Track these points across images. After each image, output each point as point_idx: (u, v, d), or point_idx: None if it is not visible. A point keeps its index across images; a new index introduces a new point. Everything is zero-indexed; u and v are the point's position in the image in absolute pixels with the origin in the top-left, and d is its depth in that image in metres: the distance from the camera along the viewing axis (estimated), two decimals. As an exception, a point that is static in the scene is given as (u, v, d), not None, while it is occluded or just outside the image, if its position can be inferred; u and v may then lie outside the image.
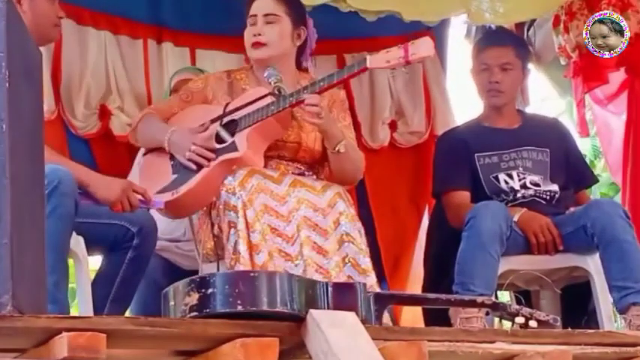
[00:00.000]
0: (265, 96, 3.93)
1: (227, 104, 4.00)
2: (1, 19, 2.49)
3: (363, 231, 3.82)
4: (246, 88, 4.09)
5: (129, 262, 3.71)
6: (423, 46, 3.82)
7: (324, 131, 3.89)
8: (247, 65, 4.23)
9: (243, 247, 3.65)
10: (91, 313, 3.51)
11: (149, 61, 5.10)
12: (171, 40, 5.16)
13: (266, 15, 4.06)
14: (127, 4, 5.09)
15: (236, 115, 3.94)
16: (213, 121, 3.96)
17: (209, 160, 3.87)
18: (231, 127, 3.93)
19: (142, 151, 4.74)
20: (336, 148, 3.89)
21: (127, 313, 3.92)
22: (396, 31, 5.36)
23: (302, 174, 3.95)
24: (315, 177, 4.00)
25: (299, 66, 4.21)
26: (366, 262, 3.72)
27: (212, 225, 3.88)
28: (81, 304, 3.67)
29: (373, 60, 3.86)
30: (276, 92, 3.90)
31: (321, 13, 4.57)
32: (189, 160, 3.88)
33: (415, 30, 5.44)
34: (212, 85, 4.12)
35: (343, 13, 4.90)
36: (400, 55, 3.81)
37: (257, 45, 4.04)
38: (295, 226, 3.70)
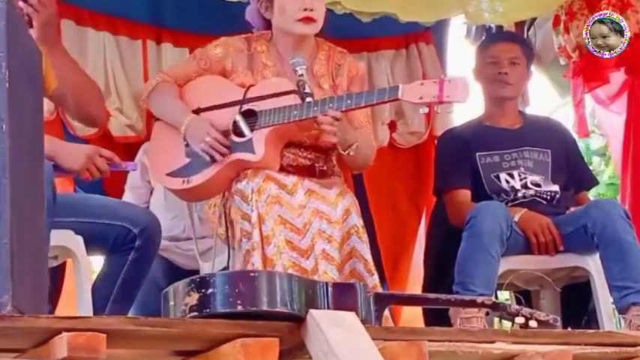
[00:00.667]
0: (289, 92, 3.82)
1: (248, 88, 3.89)
2: (1, 19, 2.49)
3: (368, 245, 3.79)
4: (268, 64, 3.98)
5: (131, 263, 3.64)
6: (459, 89, 3.66)
7: (337, 141, 3.81)
8: (267, 34, 4.05)
9: (257, 261, 3.61)
10: (90, 313, 3.49)
11: (148, 62, 5.10)
12: (170, 40, 5.16)
13: None
14: (126, 4, 5.09)
15: (256, 107, 3.84)
16: (232, 104, 3.87)
17: (223, 155, 3.78)
18: (250, 119, 3.84)
19: (142, 150, 4.76)
20: (347, 152, 3.83)
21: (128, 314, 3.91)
22: (395, 30, 5.38)
23: (312, 166, 3.89)
24: (326, 175, 3.93)
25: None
26: (374, 280, 3.70)
27: (226, 216, 3.82)
28: (80, 304, 3.64)
29: (406, 92, 3.72)
30: (300, 89, 3.80)
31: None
32: (203, 151, 3.79)
33: (414, 30, 5.47)
34: (232, 56, 3.98)
35: (341, 15, 4.91)
36: (434, 94, 3.66)
37: (309, 20, 3.89)
38: (310, 239, 3.67)
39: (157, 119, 4.07)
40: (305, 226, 3.68)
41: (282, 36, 3.99)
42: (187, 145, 3.88)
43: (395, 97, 3.76)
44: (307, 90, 3.81)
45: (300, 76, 3.82)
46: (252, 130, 3.82)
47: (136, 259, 3.64)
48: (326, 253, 3.65)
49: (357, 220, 3.75)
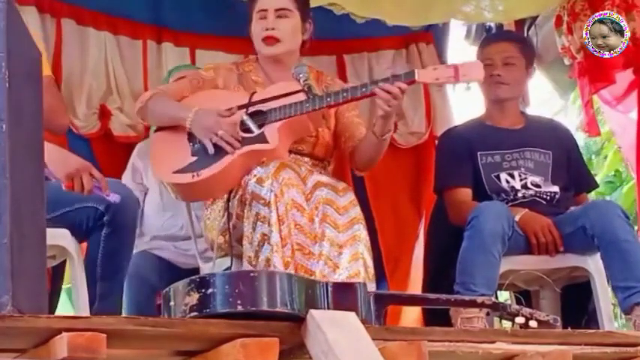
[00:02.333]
0: (296, 92, 3.88)
1: (253, 93, 3.95)
2: (1, 19, 2.49)
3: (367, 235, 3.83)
4: (257, 80, 4.06)
5: (105, 238, 3.55)
6: (474, 70, 3.84)
7: (386, 118, 3.88)
8: (253, 57, 4.17)
9: (277, 239, 3.63)
10: (86, 312, 3.49)
11: (148, 62, 5.10)
12: (171, 40, 5.17)
13: (278, 10, 4.01)
14: (127, 4, 5.10)
15: (264, 107, 3.88)
16: (239, 108, 3.89)
17: (234, 148, 3.80)
18: (259, 118, 3.87)
19: (135, 152, 4.76)
20: (384, 137, 3.92)
21: (123, 313, 3.88)
22: (395, 31, 5.38)
23: (320, 172, 3.94)
24: (331, 175, 4.00)
25: None
26: (372, 264, 3.73)
27: (229, 215, 3.84)
28: (76, 304, 3.63)
29: (422, 74, 3.85)
30: (306, 89, 3.86)
31: (320, 14, 4.57)
32: (215, 144, 3.79)
33: (415, 31, 5.47)
34: (223, 75, 4.07)
35: (341, 15, 4.93)
36: (450, 75, 3.82)
37: (270, 40, 4.01)
38: (317, 224, 3.70)
39: (156, 130, 4.06)
40: (313, 211, 3.72)
41: (261, 57, 4.12)
42: (192, 143, 3.88)
43: (412, 80, 3.85)
44: (315, 92, 3.87)
45: (305, 80, 3.88)
46: (260, 127, 3.85)
47: (109, 234, 3.55)
48: (331, 238, 3.68)
49: (359, 213, 3.80)
